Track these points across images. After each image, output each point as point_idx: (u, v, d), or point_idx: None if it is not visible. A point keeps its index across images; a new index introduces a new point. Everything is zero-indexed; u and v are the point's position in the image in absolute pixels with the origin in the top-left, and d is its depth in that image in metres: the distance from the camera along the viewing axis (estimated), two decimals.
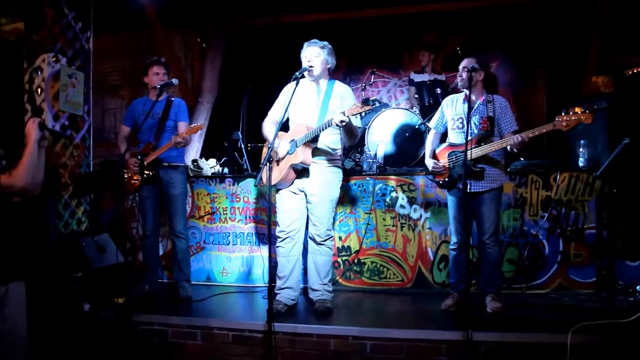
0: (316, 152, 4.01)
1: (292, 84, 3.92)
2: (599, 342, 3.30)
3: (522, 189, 4.72)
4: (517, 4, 7.31)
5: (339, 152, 4.23)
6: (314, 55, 4.02)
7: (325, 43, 4.08)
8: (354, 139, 4.11)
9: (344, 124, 3.66)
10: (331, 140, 4.07)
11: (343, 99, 4.05)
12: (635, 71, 5.52)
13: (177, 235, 4.57)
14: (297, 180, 4.07)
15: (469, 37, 7.68)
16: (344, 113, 3.63)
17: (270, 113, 4.29)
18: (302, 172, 4.03)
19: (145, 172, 4.44)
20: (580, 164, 4.87)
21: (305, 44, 4.07)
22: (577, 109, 3.48)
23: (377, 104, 6.13)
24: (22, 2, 5.28)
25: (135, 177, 4.48)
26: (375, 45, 8.09)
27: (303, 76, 3.95)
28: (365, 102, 3.58)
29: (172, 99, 4.60)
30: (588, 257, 4.59)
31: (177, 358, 3.84)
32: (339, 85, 4.14)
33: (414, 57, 8.07)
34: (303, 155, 3.90)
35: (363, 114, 3.76)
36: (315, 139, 3.93)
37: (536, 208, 4.69)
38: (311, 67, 3.98)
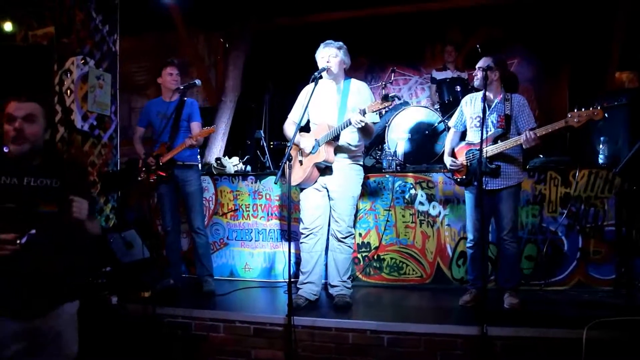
0: (338, 149, 4.10)
1: (311, 85, 4.00)
2: (616, 339, 3.31)
3: (541, 185, 4.72)
4: None
5: (361, 148, 4.31)
6: (332, 55, 4.10)
7: (341, 43, 4.16)
8: (369, 136, 4.19)
9: (362, 124, 3.75)
10: (352, 137, 4.14)
11: (360, 94, 4.14)
12: None
13: (195, 231, 4.72)
14: (320, 177, 4.16)
15: (491, 34, 7.68)
16: (363, 112, 3.71)
17: (290, 115, 4.40)
18: (325, 169, 4.13)
19: (161, 172, 4.58)
20: (600, 161, 4.84)
21: (322, 45, 4.15)
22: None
23: (398, 100, 6.18)
24: (54, 7, 5.48)
25: (151, 177, 4.62)
26: (397, 43, 8.14)
27: (321, 76, 4.04)
28: (385, 98, 3.64)
29: (185, 99, 4.70)
30: (607, 254, 4.57)
31: (200, 349, 3.98)
32: (355, 82, 4.22)
33: (436, 54, 8.11)
34: (326, 153, 4.00)
35: (383, 110, 3.83)
36: (336, 138, 4.02)
37: (555, 205, 4.69)
38: (329, 66, 4.07)
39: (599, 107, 3.45)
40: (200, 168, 5.03)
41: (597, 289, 4.53)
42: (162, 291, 4.56)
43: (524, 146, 3.77)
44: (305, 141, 4.12)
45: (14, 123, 2.48)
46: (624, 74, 7.27)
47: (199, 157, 4.93)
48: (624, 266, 4.37)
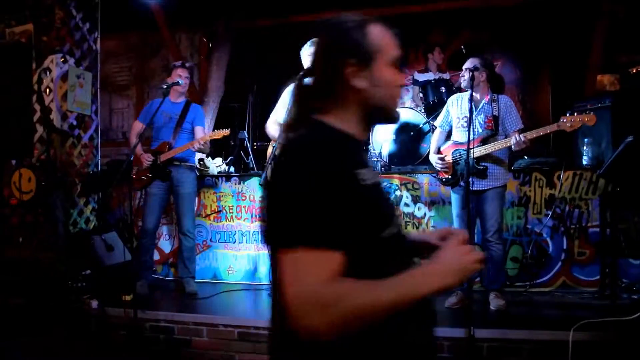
0: None
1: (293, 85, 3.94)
2: (601, 340, 3.31)
3: (526, 187, 4.73)
4: (522, 2, 7.31)
5: None
6: None
7: None
8: None
9: None
10: None
11: None
12: (639, 69, 5.50)
13: (184, 233, 4.65)
14: None
15: (473, 36, 7.68)
16: None
17: (272, 114, 4.34)
18: None
19: (159, 171, 4.57)
20: (584, 162, 4.86)
21: (308, 43, 4.08)
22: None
23: None
24: (32, 5, 5.37)
25: (145, 173, 4.56)
26: None
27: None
28: None
29: (191, 103, 4.75)
30: (592, 255, 4.58)
31: (183, 354, 3.90)
32: None
33: (419, 56, 8.10)
34: None
35: None
36: None
37: (540, 206, 4.70)
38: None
39: (591, 113, 3.46)
40: (196, 170, 5.02)
41: (582, 290, 4.55)
42: (144, 294, 4.47)
43: (513, 149, 3.77)
44: None
45: None
46: (605, 76, 7.32)
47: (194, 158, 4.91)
48: (608, 267, 4.38)
